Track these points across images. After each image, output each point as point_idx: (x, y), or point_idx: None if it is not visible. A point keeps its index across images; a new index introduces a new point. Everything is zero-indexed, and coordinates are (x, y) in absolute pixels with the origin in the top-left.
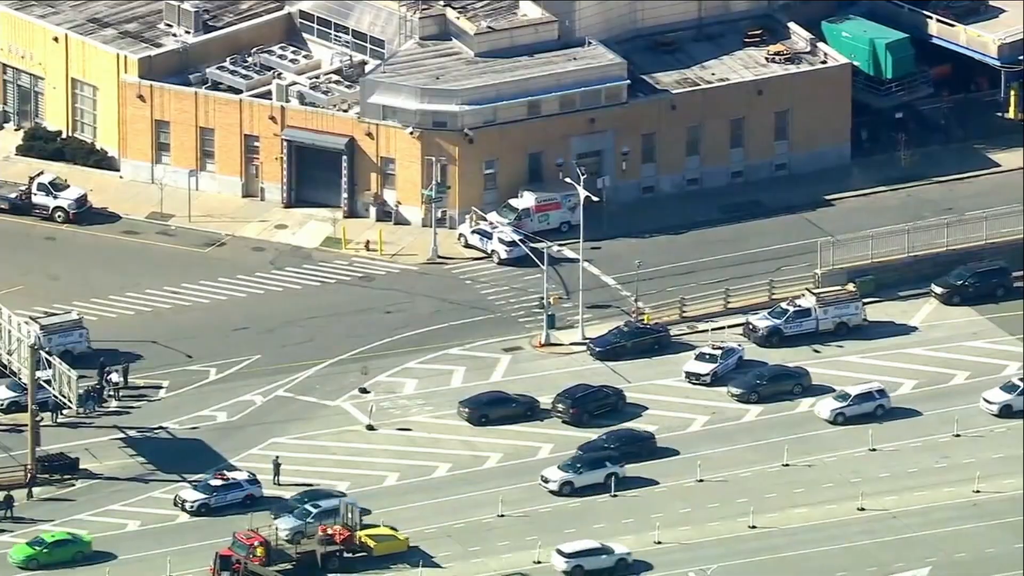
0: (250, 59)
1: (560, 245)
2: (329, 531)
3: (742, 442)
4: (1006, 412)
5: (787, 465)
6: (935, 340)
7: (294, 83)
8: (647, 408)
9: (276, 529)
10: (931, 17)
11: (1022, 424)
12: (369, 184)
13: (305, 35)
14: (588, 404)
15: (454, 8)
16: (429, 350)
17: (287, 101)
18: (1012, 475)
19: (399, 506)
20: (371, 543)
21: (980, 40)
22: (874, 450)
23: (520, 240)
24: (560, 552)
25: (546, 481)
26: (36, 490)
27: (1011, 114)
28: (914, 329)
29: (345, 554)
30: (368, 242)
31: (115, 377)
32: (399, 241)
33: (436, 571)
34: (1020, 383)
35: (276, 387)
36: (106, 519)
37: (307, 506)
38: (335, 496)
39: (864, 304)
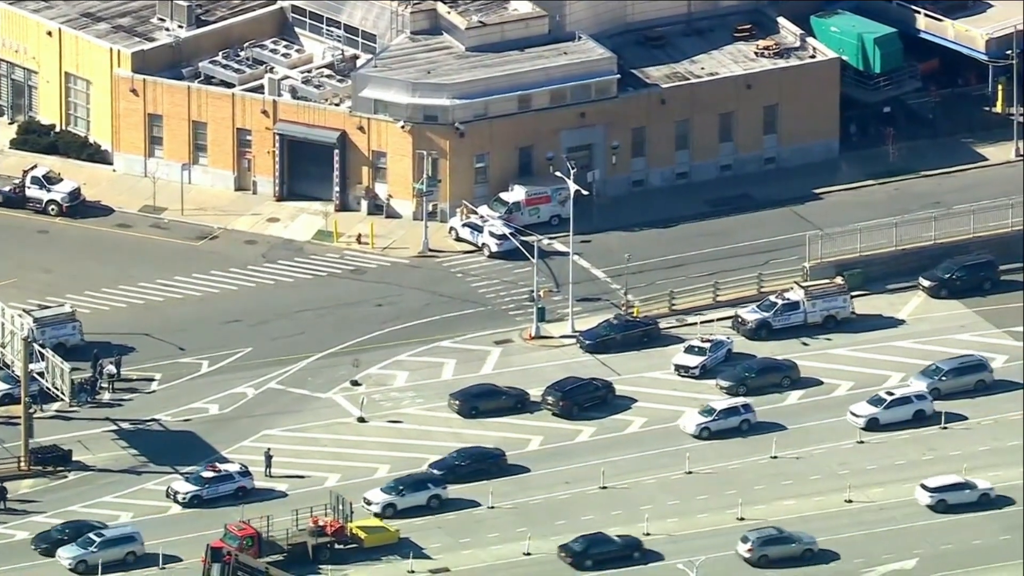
0: (242, 53)
1: (550, 238)
2: (320, 522)
3: (733, 434)
4: (872, 425)
5: (775, 457)
6: (923, 333)
7: (286, 77)
8: (636, 400)
9: (62, 559)
10: (919, 12)
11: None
12: (361, 178)
13: (297, 30)
14: (578, 397)
15: (445, 3)
16: (420, 343)
17: (279, 95)
18: (999, 467)
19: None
20: (362, 534)
21: (968, 35)
22: (862, 442)
23: (510, 233)
24: (924, 487)
25: (368, 504)
26: (28, 482)
27: (999, 108)
28: (902, 322)
29: (336, 545)
30: (360, 235)
31: (111, 369)
32: (390, 234)
33: (426, 562)
34: (886, 396)
35: (268, 379)
36: (99, 511)
37: (91, 535)
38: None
39: (852, 297)
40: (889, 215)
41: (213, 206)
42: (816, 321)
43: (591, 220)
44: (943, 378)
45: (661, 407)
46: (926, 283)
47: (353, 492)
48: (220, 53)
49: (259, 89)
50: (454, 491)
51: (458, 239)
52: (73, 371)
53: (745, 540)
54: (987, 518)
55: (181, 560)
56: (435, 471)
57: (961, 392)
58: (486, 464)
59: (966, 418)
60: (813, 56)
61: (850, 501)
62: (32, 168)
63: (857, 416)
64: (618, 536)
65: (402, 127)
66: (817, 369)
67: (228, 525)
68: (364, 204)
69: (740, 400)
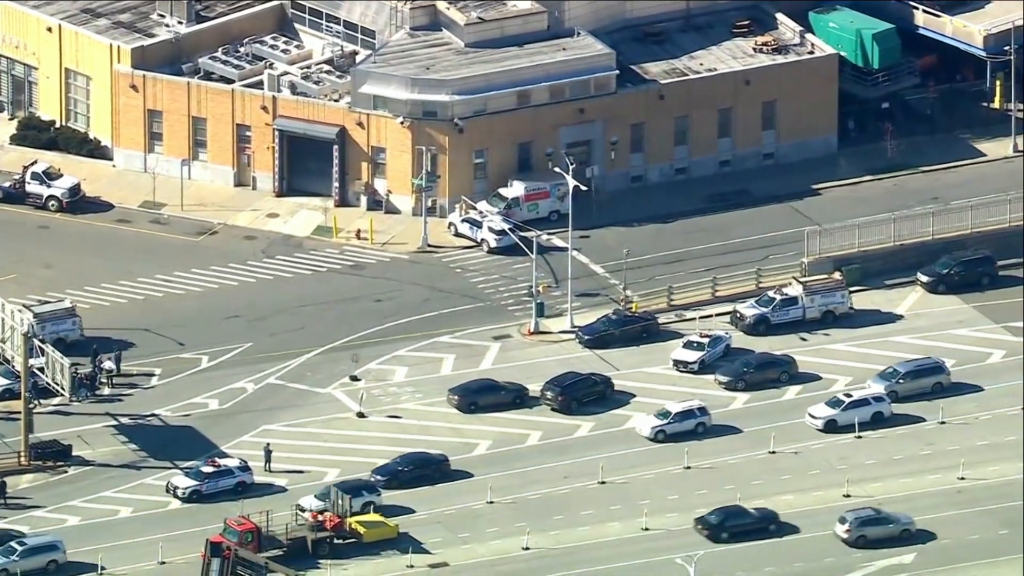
0: (242, 49)
1: (549, 234)
2: (319, 517)
3: (728, 430)
4: (831, 427)
5: (773, 452)
6: (920, 328)
7: (286, 73)
8: (635, 396)
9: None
10: (917, 8)
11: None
12: (360, 173)
13: (297, 25)
14: (577, 392)
15: None
16: (419, 338)
17: (279, 91)
18: (996, 462)
19: (389, 492)
20: (361, 529)
21: (966, 31)
22: (860, 437)
23: (509, 229)
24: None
25: (302, 510)
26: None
27: (996, 104)
28: (900, 317)
29: (335, 540)
30: (359, 231)
31: (108, 364)
32: (389, 230)
33: (425, 557)
34: (845, 398)
35: (267, 375)
36: (98, 505)
37: (12, 543)
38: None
39: (850, 292)
40: (887, 211)
41: (213, 202)
42: (814, 316)
43: (590, 216)
44: (900, 380)
45: (660, 402)
46: (924, 278)
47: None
48: (220, 49)
49: (259, 85)
50: (389, 497)
51: (457, 235)
52: (73, 366)
53: (843, 521)
54: (986, 513)
55: (105, 568)
56: (378, 476)
57: (919, 395)
58: (429, 470)
59: (924, 419)
60: (811, 52)
61: (848, 496)
62: (32, 164)
63: (815, 418)
64: (754, 508)
65: (401, 123)
66: (815, 364)
67: (228, 520)
68: (363, 200)
69: (696, 403)
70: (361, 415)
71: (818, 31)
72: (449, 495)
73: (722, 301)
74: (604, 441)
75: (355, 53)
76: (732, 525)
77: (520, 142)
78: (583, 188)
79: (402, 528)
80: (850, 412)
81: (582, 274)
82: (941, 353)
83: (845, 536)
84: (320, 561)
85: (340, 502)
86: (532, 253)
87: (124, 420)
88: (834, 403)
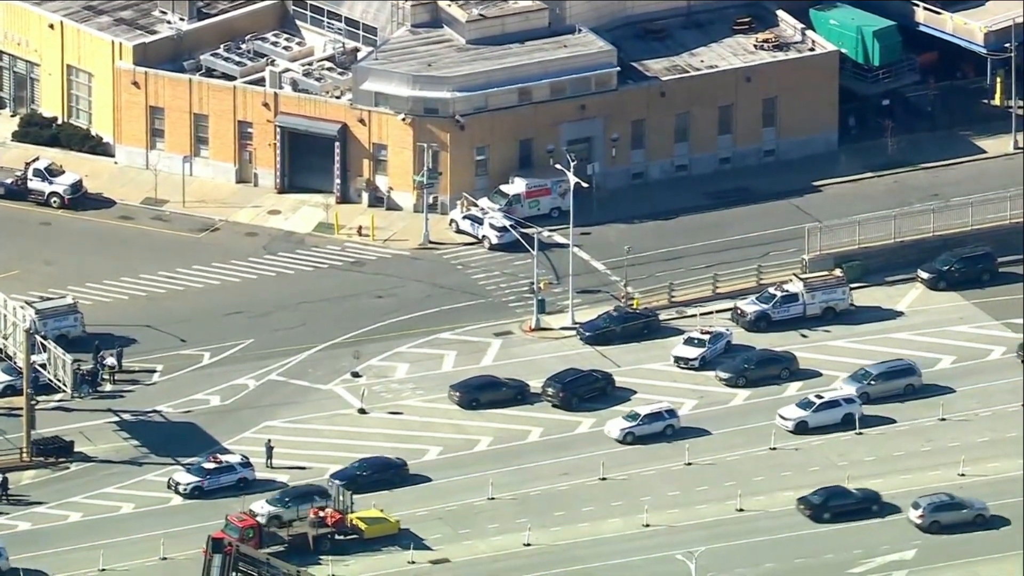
0: (244, 46)
1: (550, 231)
2: (321, 513)
3: (730, 426)
4: (801, 428)
5: (774, 448)
6: (921, 325)
7: (287, 70)
8: (636, 392)
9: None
10: (918, 5)
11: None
12: (361, 170)
13: (298, 22)
14: (578, 388)
15: None
16: (420, 334)
17: (280, 88)
18: (996, 458)
19: (391, 489)
20: (362, 525)
21: (966, 28)
22: (861, 433)
23: (511, 226)
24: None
25: (254, 515)
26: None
27: (997, 101)
28: (900, 314)
29: (336, 536)
30: (360, 227)
31: (110, 361)
32: (391, 226)
33: (426, 553)
34: (815, 400)
35: (269, 371)
36: (100, 501)
37: None
38: None
39: (851, 289)
40: (888, 207)
41: (214, 198)
42: (815, 313)
43: (591, 212)
44: (872, 382)
45: (661, 399)
46: (924, 275)
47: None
48: (221, 46)
49: (260, 82)
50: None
51: (458, 231)
52: (75, 363)
53: (916, 506)
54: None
55: (46, 575)
56: (336, 481)
57: (890, 396)
58: (388, 474)
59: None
60: (812, 49)
61: None
62: (34, 160)
63: (786, 419)
64: (857, 489)
65: (403, 120)
66: (816, 361)
67: (229, 516)
68: (365, 196)
69: (664, 406)
70: (362, 411)
71: (819, 28)
72: (450, 491)
73: (723, 298)
74: (602, 438)
75: (356, 50)
76: (834, 505)
77: (521, 139)
78: (584, 185)
79: (403, 524)
80: (821, 414)
81: (583, 271)
82: (940, 350)
83: (919, 522)
84: (321, 557)
85: (341, 498)
86: (533, 250)
87: (126, 416)
88: (805, 404)
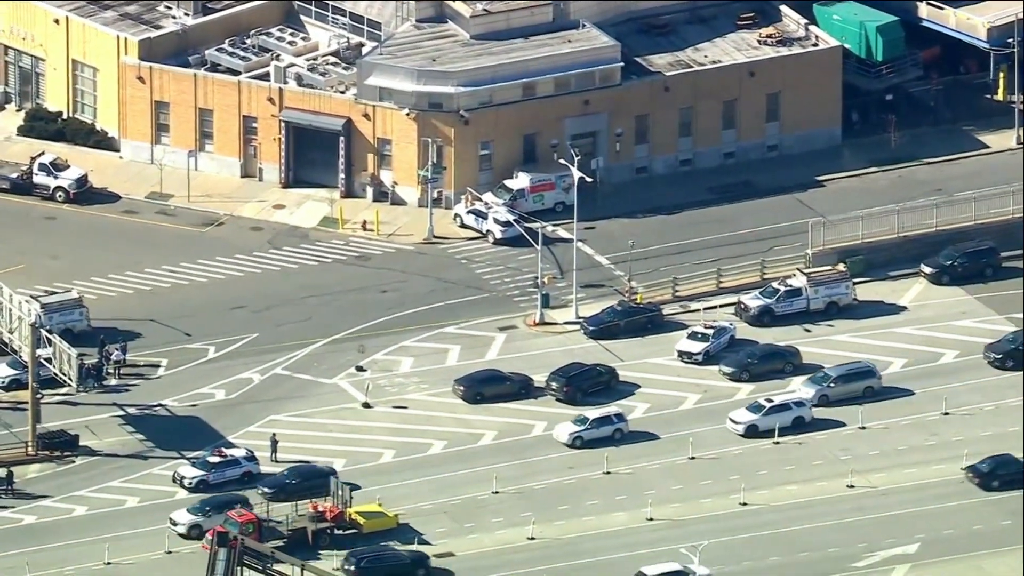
0: (248, 41)
1: (554, 225)
2: (320, 508)
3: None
4: (752, 432)
5: (777, 443)
6: (924, 319)
7: (292, 65)
8: (639, 387)
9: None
10: (921, 0)
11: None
12: (366, 165)
13: (303, 17)
14: (582, 382)
15: None
16: (425, 329)
17: (285, 83)
18: (1000, 452)
19: (395, 483)
20: (361, 520)
21: (969, 23)
22: (864, 428)
23: (515, 220)
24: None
25: (175, 524)
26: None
27: (1000, 96)
28: (903, 308)
29: (335, 531)
30: (365, 222)
31: (115, 355)
32: (395, 221)
33: (427, 548)
34: (765, 403)
35: (274, 365)
36: (105, 495)
37: None
38: None
39: (854, 284)
40: (891, 202)
41: (219, 193)
42: (818, 307)
43: (595, 207)
44: (831, 384)
45: (664, 393)
46: (928, 270)
47: (357, 477)
48: (226, 41)
49: (265, 76)
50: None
51: (463, 226)
52: (80, 357)
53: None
54: (989, 503)
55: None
56: (265, 489)
57: (849, 399)
58: (316, 482)
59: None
60: (815, 44)
61: (852, 486)
62: (39, 155)
63: (736, 423)
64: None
65: (407, 114)
66: (819, 355)
67: (229, 511)
68: (369, 191)
69: (613, 409)
70: (367, 405)
71: (822, 23)
72: (455, 485)
73: (726, 292)
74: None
75: (361, 45)
76: (1003, 473)
77: (525, 134)
78: (588, 179)
79: (409, 518)
80: (771, 417)
81: (587, 265)
82: (943, 344)
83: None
84: (320, 552)
85: (340, 493)
86: (537, 244)
87: (131, 410)
88: (755, 408)
